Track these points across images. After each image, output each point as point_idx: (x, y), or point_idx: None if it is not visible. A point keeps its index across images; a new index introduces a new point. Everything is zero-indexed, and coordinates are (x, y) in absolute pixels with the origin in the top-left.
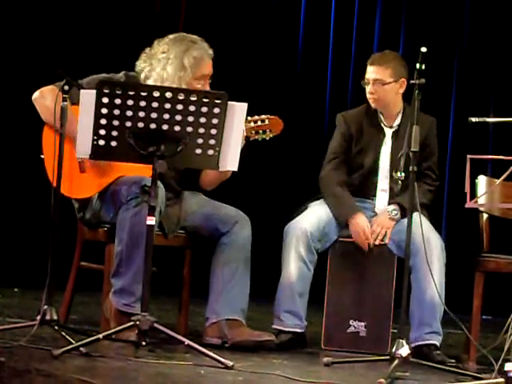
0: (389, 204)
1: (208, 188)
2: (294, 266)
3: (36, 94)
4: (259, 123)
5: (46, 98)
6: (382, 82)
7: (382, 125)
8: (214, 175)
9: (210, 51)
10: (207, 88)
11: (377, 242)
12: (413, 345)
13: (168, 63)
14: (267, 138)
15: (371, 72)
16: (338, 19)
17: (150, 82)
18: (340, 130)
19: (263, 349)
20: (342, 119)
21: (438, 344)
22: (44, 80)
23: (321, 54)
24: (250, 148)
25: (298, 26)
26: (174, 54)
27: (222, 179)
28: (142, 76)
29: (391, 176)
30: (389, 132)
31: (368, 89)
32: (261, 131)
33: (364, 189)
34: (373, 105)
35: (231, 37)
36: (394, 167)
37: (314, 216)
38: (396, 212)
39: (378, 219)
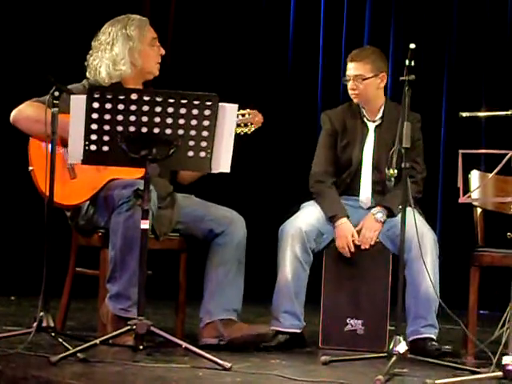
0: (374, 206)
1: (185, 183)
2: (290, 266)
3: (14, 113)
4: (240, 117)
5: (25, 112)
6: (363, 77)
7: (365, 119)
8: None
9: (145, 18)
10: (162, 51)
11: (367, 246)
12: (409, 339)
13: (114, 43)
14: (249, 132)
15: (351, 68)
16: (328, 17)
17: (103, 72)
18: (325, 127)
19: (261, 345)
20: (326, 117)
21: (434, 337)
22: (29, 91)
23: (311, 52)
24: (244, 146)
25: (288, 25)
26: (115, 33)
27: (201, 174)
28: (97, 73)
29: (376, 170)
30: (372, 126)
31: (349, 85)
32: (242, 124)
33: (352, 185)
34: (355, 100)
35: (221, 36)
36: (378, 161)
37: (309, 216)
38: (381, 214)
39: (365, 224)
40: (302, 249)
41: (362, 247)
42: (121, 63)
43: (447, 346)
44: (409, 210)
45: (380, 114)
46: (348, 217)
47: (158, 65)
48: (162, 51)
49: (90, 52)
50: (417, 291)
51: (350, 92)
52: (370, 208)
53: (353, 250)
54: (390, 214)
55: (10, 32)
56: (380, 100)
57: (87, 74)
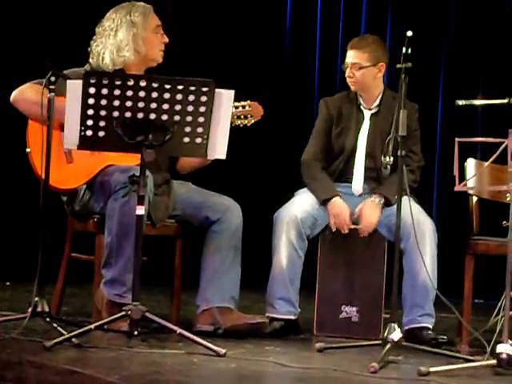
0: (366, 193)
1: (184, 173)
2: (285, 253)
3: (14, 94)
4: (240, 109)
5: (25, 94)
6: (360, 65)
7: (362, 107)
8: (195, 160)
9: (149, 6)
10: (166, 39)
11: (366, 234)
12: (406, 328)
13: (118, 30)
14: (248, 124)
15: (350, 56)
16: (325, 5)
17: (106, 58)
18: (321, 113)
19: (256, 332)
20: (324, 104)
21: (430, 326)
22: (27, 74)
23: (308, 40)
24: (240, 135)
25: (285, 12)
26: (119, 20)
27: (200, 165)
28: (100, 59)
29: (369, 157)
30: (367, 114)
31: (346, 72)
32: (242, 116)
33: (345, 172)
34: (352, 88)
35: (219, 24)
36: (372, 149)
37: (303, 203)
38: (379, 199)
39: (364, 209)
40: (297, 235)
41: (361, 235)
42: (125, 49)
43: (443, 336)
44: (406, 198)
45: (377, 103)
46: (340, 197)
47: (161, 52)
48: (166, 39)
49: (94, 38)
50: (415, 280)
51: (347, 79)
52: (361, 195)
53: (351, 226)
54: (387, 202)
55: (12, 18)
56: (378, 89)
57: (90, 60)
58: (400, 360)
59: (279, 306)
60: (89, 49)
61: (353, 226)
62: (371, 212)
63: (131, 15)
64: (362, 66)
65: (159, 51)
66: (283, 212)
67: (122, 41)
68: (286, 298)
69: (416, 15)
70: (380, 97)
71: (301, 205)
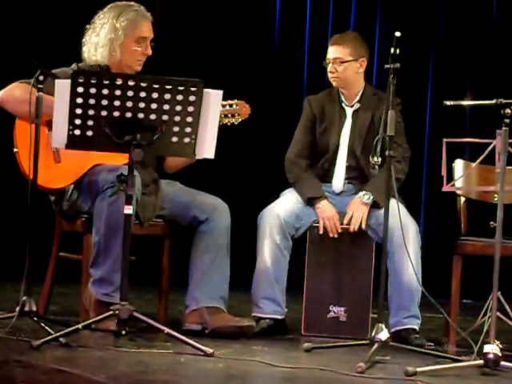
0: (355, 192)
1: (171, 172)
2: (269, 252)
3: (1, 94)
4: (228, 107)
5: (12, 92)
6: (341, 60)
7: (343, 104)
8: (181, 159)
9: (148, 14)
10: (149, 52)
11: (356, 227)
12: (392, 330)
13: (101, 28)
14: (235, 123)
15: (331, 52)
16: (315, 4)
17: (84, 53)
18: (304, 112)
19: (243, 335)
20: (307, 102)
21: (416, 328)
22: (15, 73)
23: (297, 38)
24: (228, 134)
25: (275, 11)
26: (106, 19)
27: (187, 163)
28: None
29: (350, 155)
30: (349, 111)
31: (328, 68)
32: (229, 115)
33: (329, 171)
34: (334, 84)
35: (207, 23)
36: (352, 146)
37: (287, 202)
38: (368, 196)
39: (351, 205)
40: (281, 235)
41: (351, 229)
42: (98, 50)
43: (430, 343)
44: (393, 200)
45: (357, 99)
46: (326, 198)
47: (139, 62)
48: (149, 52)
49: (85, 32)
50: (399, 281)
51: (329, 75)
52: (341, 193)
53: (340, 230)
54: (377, 204)
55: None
56: (359, 85)
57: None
58: (387, 360)
59: (264, 305)
60: (83, 40)
61: (342, 226)
62: (356, 208)
63: (118, 19)
64: (343, 60)
65: (136, 61)
66: (266, 212)
67: (98, 43)
68: (270, 298)
69: (405, 15)
70: (361, 93)
71: (284, 204)
